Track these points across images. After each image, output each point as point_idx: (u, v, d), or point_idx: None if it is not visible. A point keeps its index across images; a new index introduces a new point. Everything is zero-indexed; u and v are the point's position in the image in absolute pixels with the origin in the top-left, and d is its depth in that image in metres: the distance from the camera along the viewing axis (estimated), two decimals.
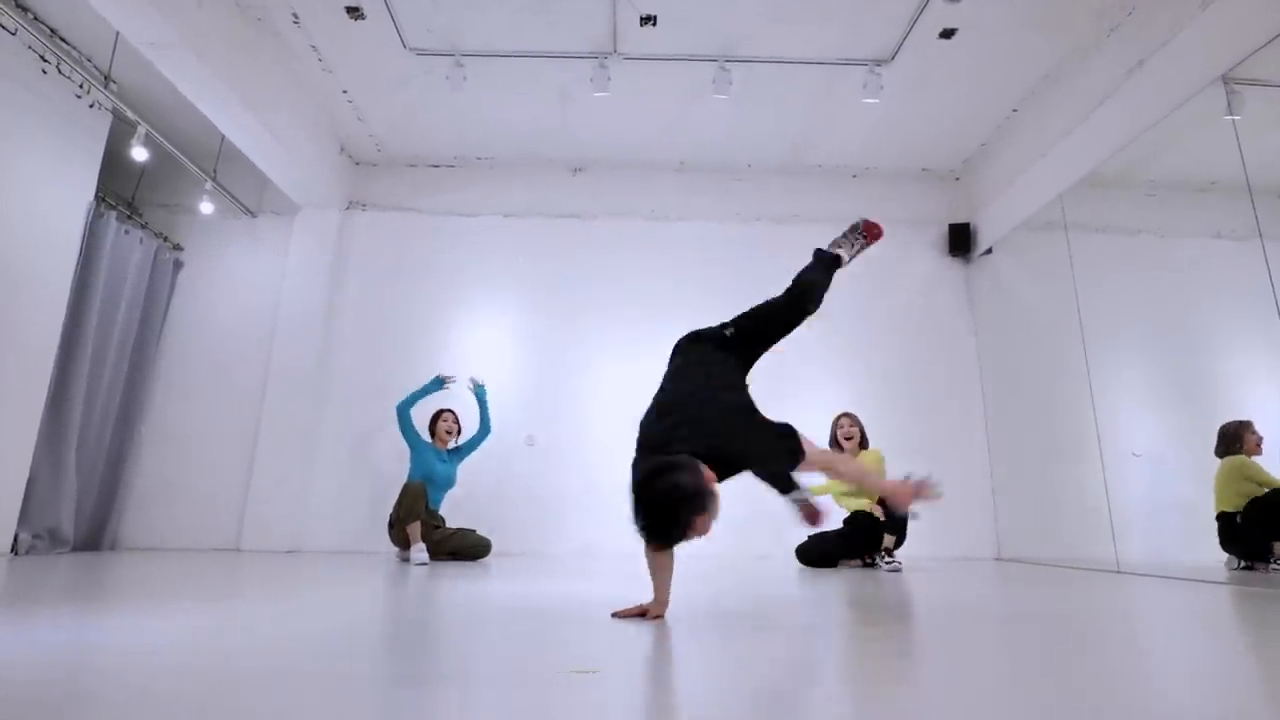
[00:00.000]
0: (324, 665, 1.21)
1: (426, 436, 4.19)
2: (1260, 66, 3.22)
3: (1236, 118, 3.38)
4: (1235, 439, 3.38)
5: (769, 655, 1.37)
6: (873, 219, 2.44)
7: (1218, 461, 3.48)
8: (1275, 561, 3.31)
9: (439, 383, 4.25)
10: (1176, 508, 4.00)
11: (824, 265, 2.33)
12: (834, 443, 4.13)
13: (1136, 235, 4.44)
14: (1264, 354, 3.54)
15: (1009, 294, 4.98)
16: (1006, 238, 4.90)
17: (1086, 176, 4.17)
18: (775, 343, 2.18)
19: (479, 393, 4.36)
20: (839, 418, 4.12)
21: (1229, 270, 3.85)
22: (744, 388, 2.01)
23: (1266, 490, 3.31)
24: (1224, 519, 3.48)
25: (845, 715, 0.93)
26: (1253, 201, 3.25)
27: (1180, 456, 4.01)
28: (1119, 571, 3.64)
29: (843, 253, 2.37)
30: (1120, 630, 1.76)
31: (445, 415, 4.24)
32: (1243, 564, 3.43)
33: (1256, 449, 3.34)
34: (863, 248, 2.43)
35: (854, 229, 2.43)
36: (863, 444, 4.07)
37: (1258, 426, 3.44)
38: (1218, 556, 3.48)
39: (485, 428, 4.33)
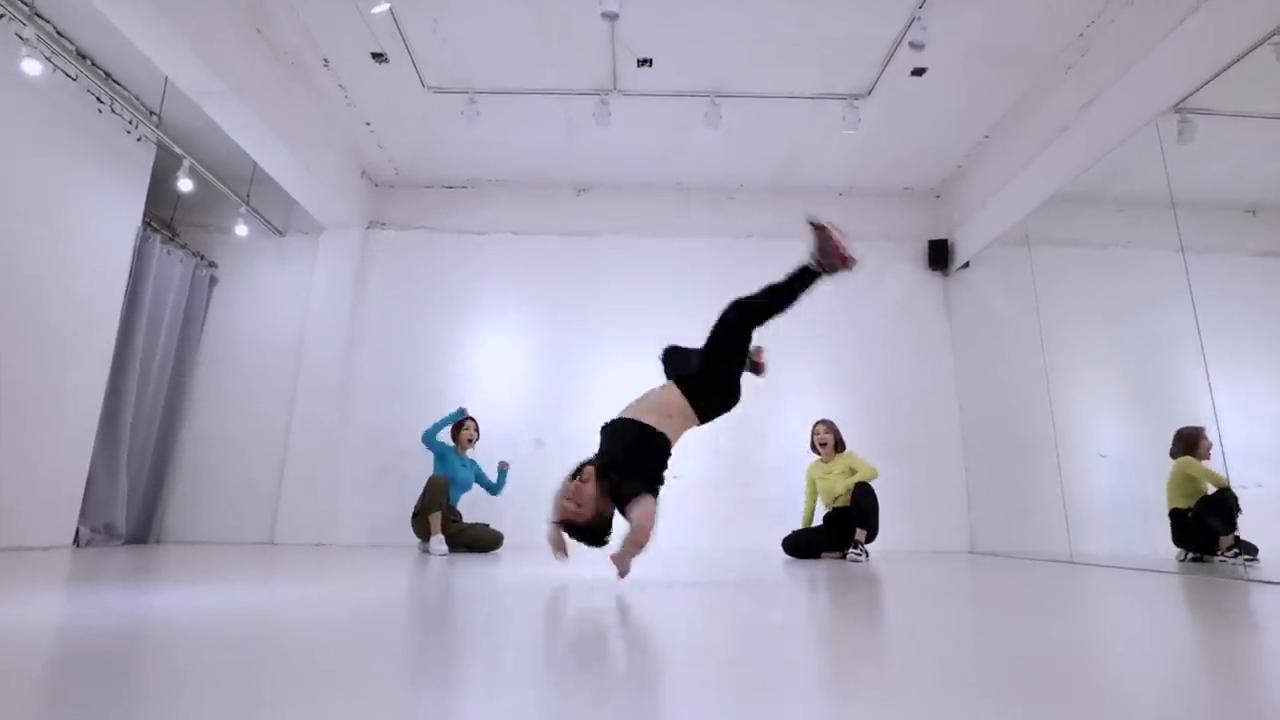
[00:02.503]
0: (356, 632, 1.39)
1: (449, 441, 4.64)
2: (1207, 97, 3.59)
3: (1188, 146, 3.77)
4: (1190, 442, 3.66)
5: (748, 616, 1.80)
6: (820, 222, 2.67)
7: (1171, 463, 3.76)
8: (1221, 554, 3.66)
9: (461, 412, 4.70)
10: (1136, 504, 4.37)
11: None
12: (812, 448, 4.53)
13: (1105, 249, 4.80)
14: (1219, 360, 3.91)
15: (983, 305, 5.37)
16: (982, 253, 5.29)
17: (1052, 197, 4.55)
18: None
19: (502, 472, 4.83)
20: (815, 425, 4.54)
21: (1188, 281, 4.22)
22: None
23: (1215, 489, 3.66)
24: (1175, 515, 3.81)
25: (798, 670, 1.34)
26: (1175, 217, 3.65)
27: (1142, 457, 4.38)
28: (1072, 562, 4.05)
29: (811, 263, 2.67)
30: (1062, 610, 1.93)
31: (467, 423, 4.69)
32: (1192, 556, 3.79)
33: (1206, 454, 3.60)
34: (826, 258, 2.65)
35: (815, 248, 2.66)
36: (838, 447, 4.47)
37: (1209, 433, 3.78)
38: (1171, 550, 3.84)
39: (497, 489, 4.81)
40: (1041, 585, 2.74)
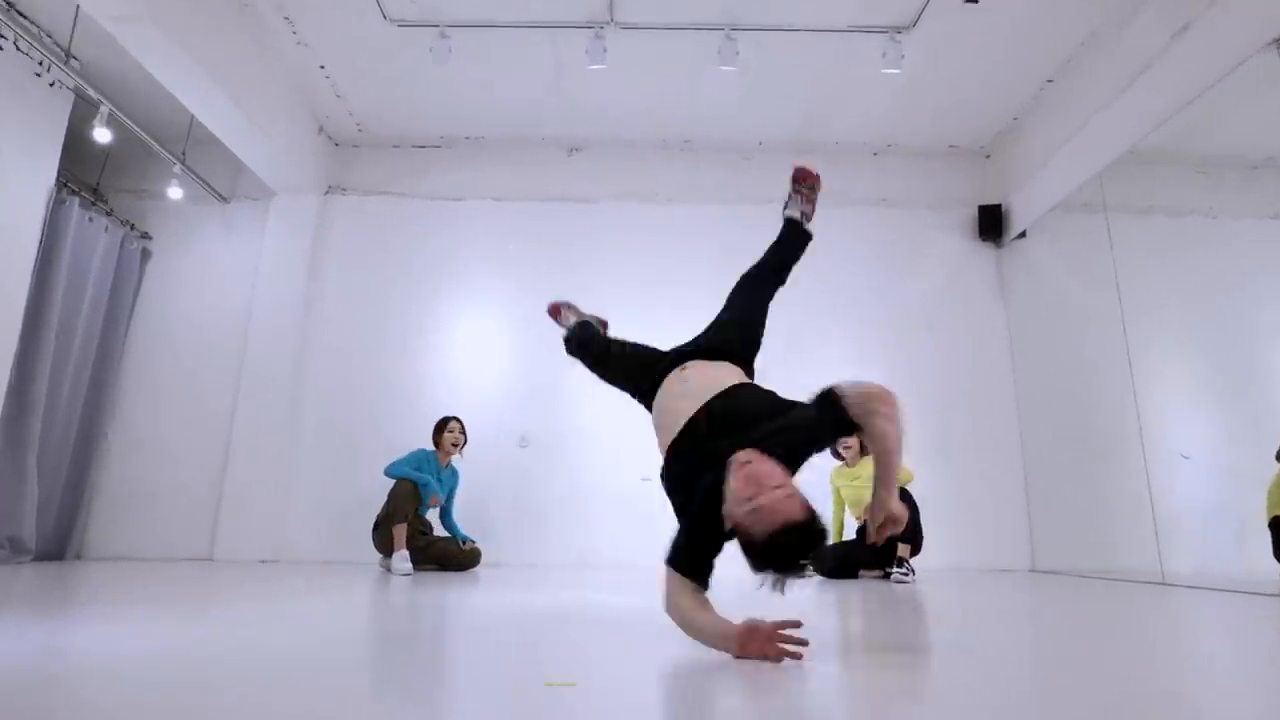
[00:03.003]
0: (298, 679, 1.22)
1: (429, 446, 4.17)
2: None
3: None
4: None
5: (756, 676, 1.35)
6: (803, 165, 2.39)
7: (1276, 466, 3.42)
8: None
9: (422, 453, 4.13)
10: (1226, 514, 3.95)
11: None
12: (834, 453, 4.09)
13: (1183, 217, 4.38)
14: None
15: (1045, 281, 4.92)
16: (1042, 220, 4.84)
17: (1128, 153, 4.11)
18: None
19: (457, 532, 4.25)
20: None
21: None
22: None
23: None
24: (1278, 525, 3.44)
25: None
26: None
27: (1233, 458, 3.96)
28: (1164, 583, 3.59)
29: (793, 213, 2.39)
30: (1168, 649, 1.71)
31: (452, 425, 4.19)
32: None
33: None
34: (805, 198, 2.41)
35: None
36: (864, 449, 4.03)
37: None
38: (1272, 567, 3.43)
39: (450, 525, 4.25)
40: (1136, 612, 2.34)
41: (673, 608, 1.50)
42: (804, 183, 2.37)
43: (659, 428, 1.82)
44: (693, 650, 1.44)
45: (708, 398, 1.69)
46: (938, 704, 1.08)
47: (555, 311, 2.70)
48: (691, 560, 1.51)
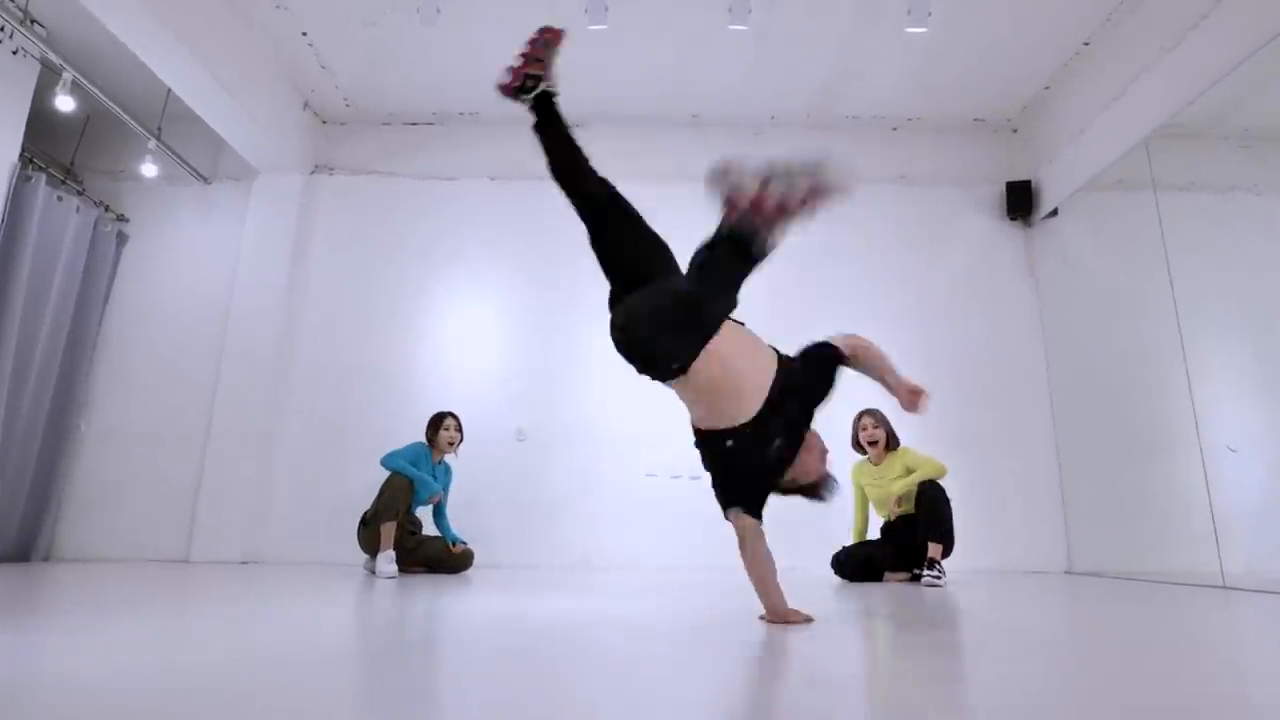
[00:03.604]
0: (273, 691, 1.11)
1: (423, 440, 3.86)
2: None
3: None
4: None
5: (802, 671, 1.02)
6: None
7: None
8: None
9: (421, 445, 3.82)
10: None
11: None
12: (856, 446, 3.77)
13: (1227, 193, 4.06)
14: None
15: (1078, 262, 4.57)
16: (1074, 197, 4.50)
17: (1168, 123, 3.79)
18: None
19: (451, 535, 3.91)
20: (860, 416, 3.74)
21: None
22: None
23: None
24: None
25: None
26: None
27: None
28: (1225, 587, 3.24)
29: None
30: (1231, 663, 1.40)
31: (448, 422, 3.87)
32: None
33: None
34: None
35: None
36: (891, 444, 3.69)
37: None
38: None
39: (445, 528, 3.91)
40: (1186, 618, 2.04)
41: (754, 554, 1.86)
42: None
43: (724, 387, 1.85)
44: (703, 663, 1.12)
45: (773, 373, 1.88)
46: None
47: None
48: (761, 508, 1.91)
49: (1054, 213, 4.69)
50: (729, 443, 1.84)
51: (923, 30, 3.83)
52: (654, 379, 1.93)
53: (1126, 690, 1.10)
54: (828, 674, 1.30)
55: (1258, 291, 3.81)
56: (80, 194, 4.43)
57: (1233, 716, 0.97)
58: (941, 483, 3.58)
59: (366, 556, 3.71)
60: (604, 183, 2.00)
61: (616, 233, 2.00)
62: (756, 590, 1.89)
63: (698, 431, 1.95)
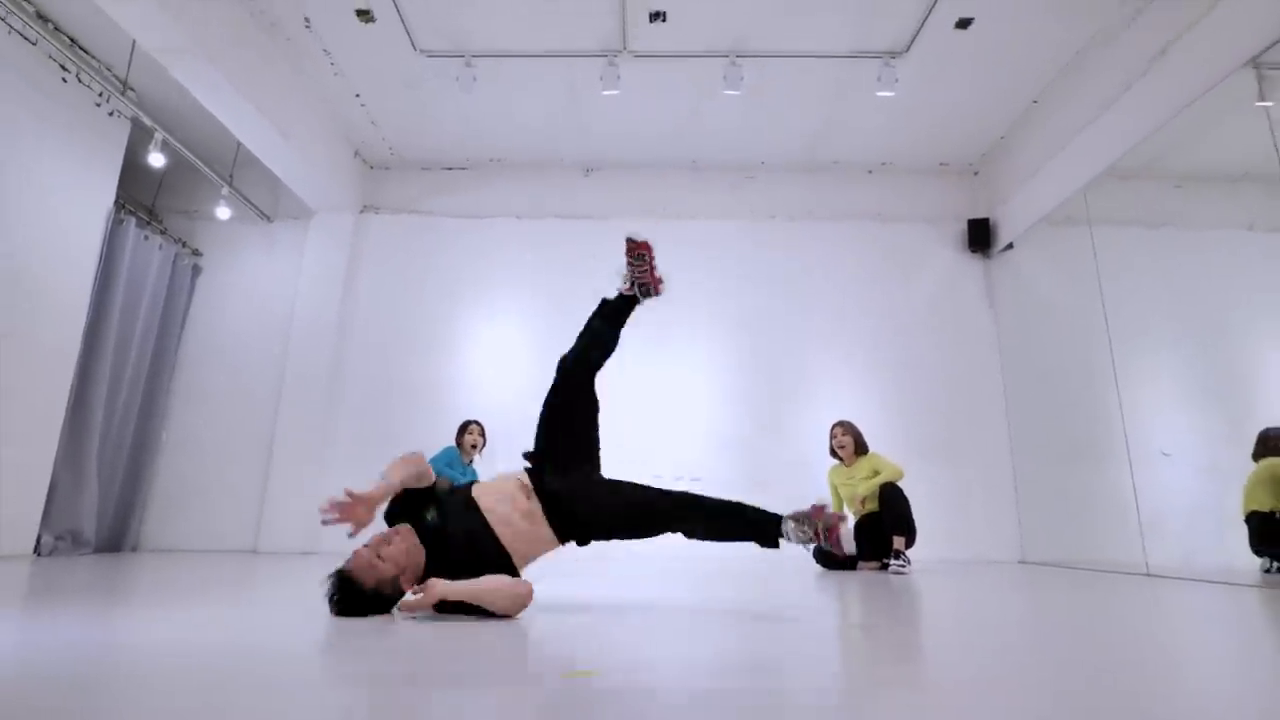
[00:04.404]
0: (330, 663, 1.23)
1: (453, 444, 4.18)
2: None
3: (1269, 104, 3.28)
4: (1277, 445, 3.26)
5: (769, 653, 1.33)
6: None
7: (1253, 465, 3.36)
8: None
9: (451, 450, 4.15)
10: (1205, 509, 3.87)
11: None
12: (831, 453, 4.04)
13: (1160, 228, 4.32)
14: None
15: (1031, 290, 4.86)
16: (1027, 232, 4.79)
17: (1110, 168, 4.07)
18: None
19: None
20: (832, 427, 4.02)
21: (1264, 264, 3.74)
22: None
23: None
24: (1256, 518, 3.37)
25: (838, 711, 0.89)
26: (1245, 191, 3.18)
27: (1211, 456, 3.89)
28: (1149, 574, 3.52)
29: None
30: (1152, 638, 1.67)
31: (472, 427, 4.20)
32: (1279, 566, 3.33)
33: None
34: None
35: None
36: (860, 450, 3.97)
37: None
38: (1251, 560, 3.37)
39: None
40: (1116, 601, 2.32)
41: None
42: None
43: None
44: (705, 637, 1.42)
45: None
46: (936, 686, 1.06)
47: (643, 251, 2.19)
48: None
49: (1010, 246, 4.98)
50: None
51: (891, 94, 4.12)
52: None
53: (1060, 655, 1.34)
54: (805, 645, 1.60)
55: (1188, 314, 4.06)
56: (162, 232, 4.76)
57: (1150, 672, 1.21)
58: (910, 482, 3.85)
59: None
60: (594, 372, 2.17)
61: (572, 408, 2.12)
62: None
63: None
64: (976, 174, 5.35)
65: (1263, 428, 3.41)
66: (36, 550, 3.78)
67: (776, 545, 1.93)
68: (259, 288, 5.09)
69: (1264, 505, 3.36)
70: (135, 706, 0.93)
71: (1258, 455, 3.36)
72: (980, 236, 5.08)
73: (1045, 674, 1.15)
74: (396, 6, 3.77)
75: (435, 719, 0.88)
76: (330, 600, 1.67)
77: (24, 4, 3.65)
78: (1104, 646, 1.43)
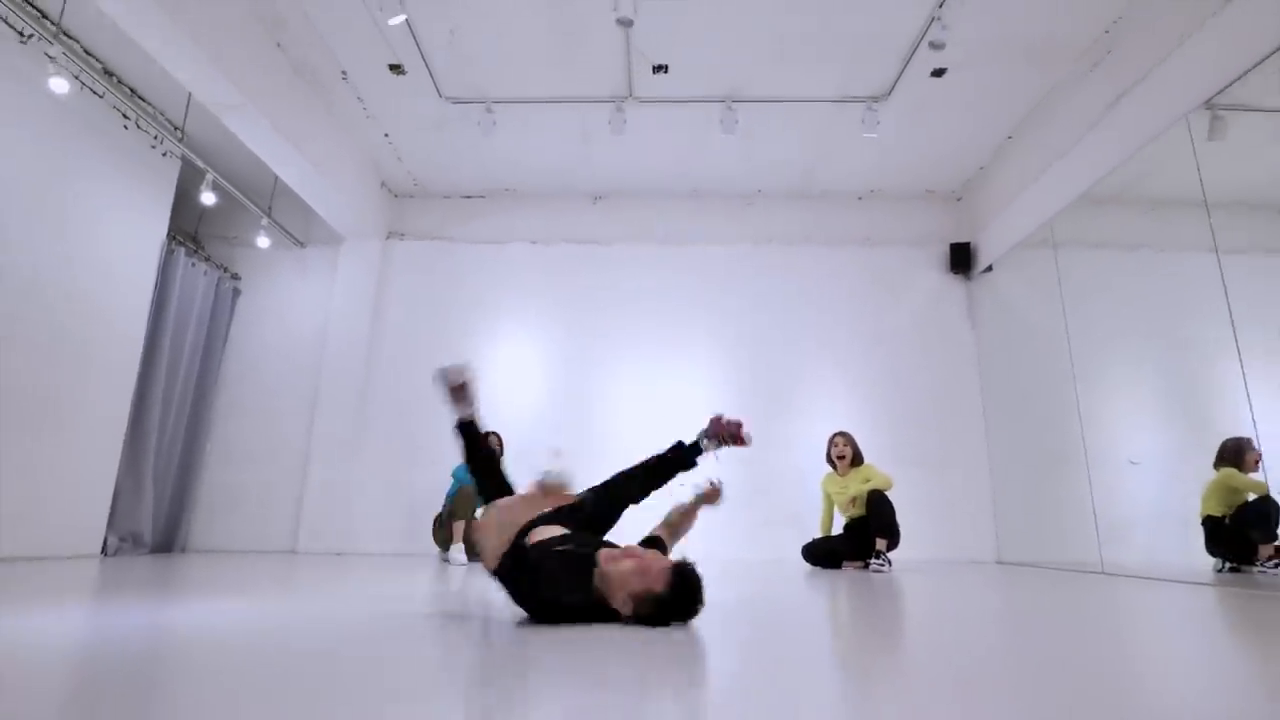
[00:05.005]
0: (373, 648, 1.37)
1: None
2: (1242, 91, 3.46)
3: (1211, 142, 3.65)
4: (1236, 454, 3.52)
5: (763, 638, 1.72)
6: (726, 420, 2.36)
7: (1214, 473, 3.61)
8: (1261, 564, 3.51)
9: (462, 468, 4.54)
10: (1169, 513, 4.21)
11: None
12: (828, 460, 4.42)
13: (1135, 250, 4.65)
14: (1257, 365, 3.76)
15: (1008, 310, 5.23)
16: (1005, 256, 5.15)
17: (1079, 199, 4.41)
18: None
19: None
20: (833, 437, 4.41)
21: (1224, 284, 4.06)
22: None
23: (1255, 497, 3.51)
24: (1210, 523, 3.68)
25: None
26: (1208, 217, 3.54)
27: (1176, 464, 4.22)
28: (1104, 573, 3.90)
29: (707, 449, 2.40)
30: (1096, 628, 1.87)
31: (491, 438, 4.63)
32: (1229, 566, 3.64)
33: (1253, 466, 3.46)
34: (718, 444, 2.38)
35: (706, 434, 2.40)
36: (855, 461, 4.34)
37: (1257, 443, 3.60)
38: (1207, 560, 3.70)
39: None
40: (1067, 597, 2.64)
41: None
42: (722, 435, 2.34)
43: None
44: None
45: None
46: (909, 667, 1.45)
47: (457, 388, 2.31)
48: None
49: (989, 268, 5.35)
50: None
51: (873, 136, 4.51)
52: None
53: (1026, 639, 1.60)
54: (796, 631, 1.99)
55: (1157, 332, 4.38)
56: (207, 259, 5.20)
57: (1103, 650, 1.47)
58: (891, 489, 4.22)
59: (439, 549, 4.42)
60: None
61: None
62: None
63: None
64: (959, 200, 5.73)
65: (1224, 439, 3.71)
66: (103, 550, 4.20)
67: (696, 465, 2.34)
68: (293, 309, 5.52)
69: (1216, 511, 3.69)
70: (215, 675, 1.10)
71: (1217, 464, 3.61)
72: (962, 259, 5.46)
73: (987, 651, 1.42)
74: (425, 61, 4.19)
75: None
76: (694, 596, 1.67)
77: (93, 60, 4.09)
78: (1054, 634, 1.66)
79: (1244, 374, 3.41)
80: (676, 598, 1.62)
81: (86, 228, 4.09)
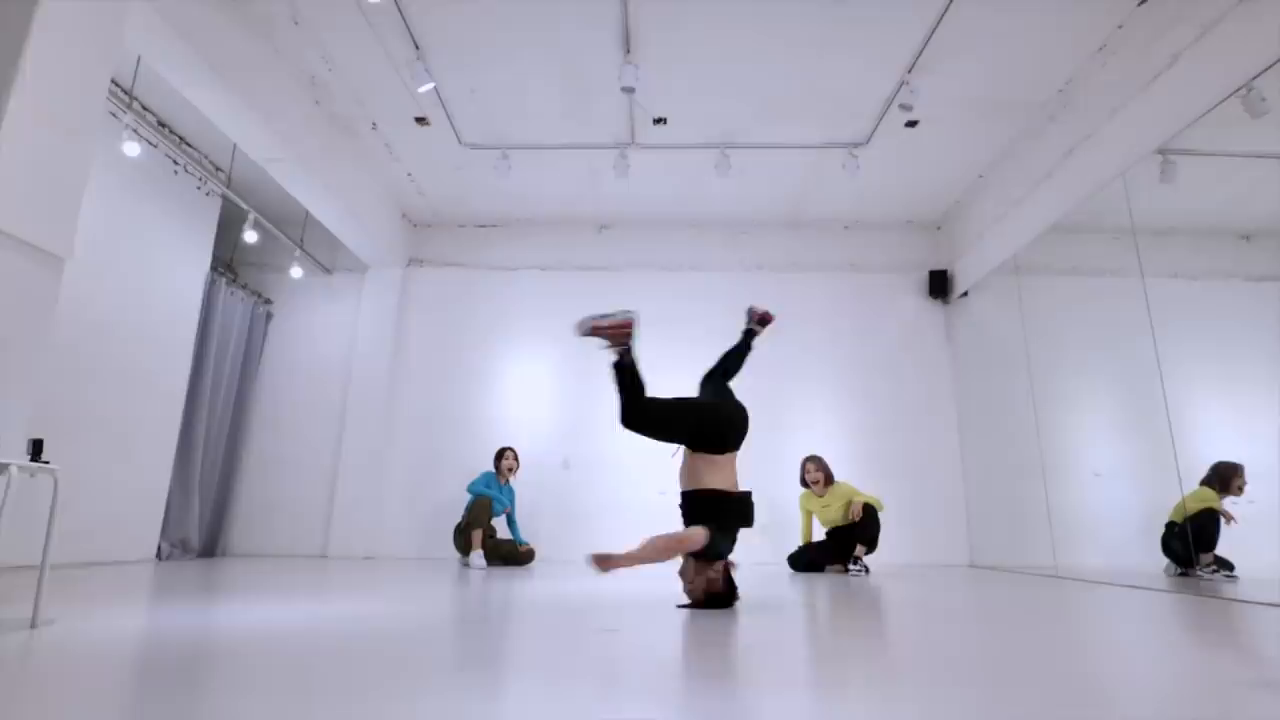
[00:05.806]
0: (405, 642, 1.58)
1: (491, 468, 5.08)
2: (1189, 138, 3.87)
3: (1168, 185, 4.09)
4: (1225, 479, 3.78)
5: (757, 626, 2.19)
6: (761, 308, 3.36)
7: (1174, 481, 3.85)
8: (1200, 569, 3.88)
9: (486, 476, 5.06)
10: (1128, 522, 4.61)
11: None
12: (802, 483, 4.88)
13: (1101, 277, 5.05)
14: (1213, 384, 4.14)
15: (981, 332, 5.69)
16: (980, 282, 5.61)
17: (1045, 231, 4.82)
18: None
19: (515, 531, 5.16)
20: (804, 462, 4.88)
21: (1184, 308, 4.43)
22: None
23: (1203, 507, 3.79)
24: (1170, 527, 4.00)
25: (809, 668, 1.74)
26: (1136, 244, 4.00)
27: (1136, 478, 4.61)
28: (1057, 576, 4.36)
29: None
30: (1044, 623, 2.35)
31: (507, 453, 5.11)
32: (1179, 570, 4.01)
33: (1239, 491, 3.74)
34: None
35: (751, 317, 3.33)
36: (828, 481, 4.81)
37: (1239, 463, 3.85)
38: (1158, 564, 4.08)
39: (514, 530, 5.13)
40: (1024, 598, 3.09)
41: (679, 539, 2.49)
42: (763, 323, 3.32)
43: (708, 476, 2.61)
44: (689, 616, 2.29)
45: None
46: (884, 654, 1.92)
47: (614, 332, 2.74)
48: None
49: (965, 294, 5.81)
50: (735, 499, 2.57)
51: (856, 177, 4.96)
52: (720, 451, 2.63)
53: (992, 629, 2.15)
54: (780, 628, 2.46)
55: (1120, 353, 4.76)
56: (243, 287, 5.67)
57: (1055, 641, 2.07)
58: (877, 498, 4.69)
59: (459, 555, 4.89)
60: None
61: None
62: (649, 551, 2.43)
63: (699, 491, 2.55)
64: (939, 229, 6.18)
65: (1218, 461, 3.86)
66: (158, 555, 4.68)
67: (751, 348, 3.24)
68: (322, 332, 5.99)
69: (1178, 518, 4.00)
70: (267, 663, 1.29)
71: (1203, 482, 3.84)
72: (940, 285, 5.92)
73: (931, 634, 1.98)
74: (448, 114, 4.66)
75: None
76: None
77: (148, 114, 4.55)
78: (1007, 627, 2.15)
79: (1164, 390, 3.85)
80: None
81: (145, 269, 4.57)
